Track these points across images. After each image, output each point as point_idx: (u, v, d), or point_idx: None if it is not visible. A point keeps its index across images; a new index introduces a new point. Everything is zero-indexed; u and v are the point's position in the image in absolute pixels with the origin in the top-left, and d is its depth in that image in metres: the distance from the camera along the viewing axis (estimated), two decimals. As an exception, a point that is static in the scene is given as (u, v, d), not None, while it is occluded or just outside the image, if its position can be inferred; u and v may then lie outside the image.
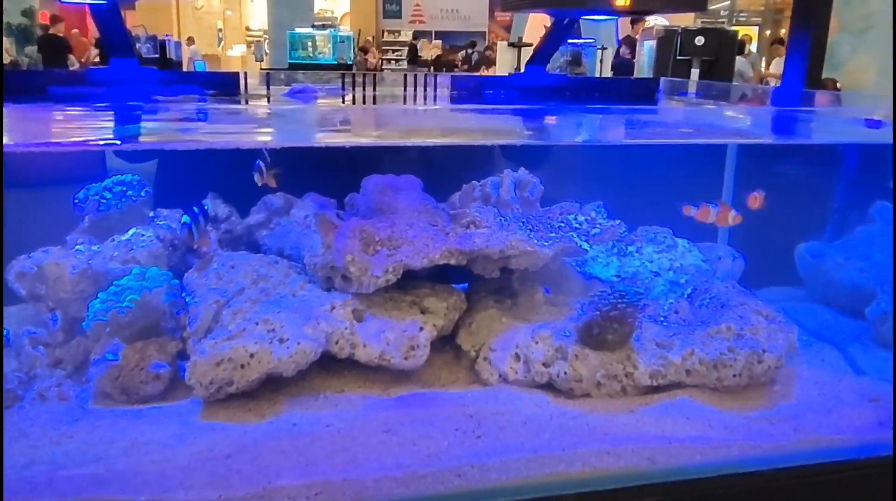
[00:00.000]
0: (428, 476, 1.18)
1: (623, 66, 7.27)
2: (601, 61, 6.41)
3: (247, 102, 1.96)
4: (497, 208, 1.57)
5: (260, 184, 1.54)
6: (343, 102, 1.94)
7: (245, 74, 2.01)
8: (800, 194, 1.75)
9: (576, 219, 1.59)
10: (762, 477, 1.31)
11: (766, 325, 1.54)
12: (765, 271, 1.83)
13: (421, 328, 1.43)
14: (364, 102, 1.75)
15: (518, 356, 1.45)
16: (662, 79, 2.09)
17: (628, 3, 1.78)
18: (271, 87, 2.11)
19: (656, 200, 1.91)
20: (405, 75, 1.82)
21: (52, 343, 1.49)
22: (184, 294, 1.51)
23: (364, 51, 13.38)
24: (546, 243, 1.51)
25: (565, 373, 1.41)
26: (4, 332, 1.46)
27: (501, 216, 1.56)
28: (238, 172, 1.59)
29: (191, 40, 13.38)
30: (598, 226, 1.58)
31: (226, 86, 2.01)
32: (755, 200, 1.61)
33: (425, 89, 1.80)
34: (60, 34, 10.43)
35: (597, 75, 6.05)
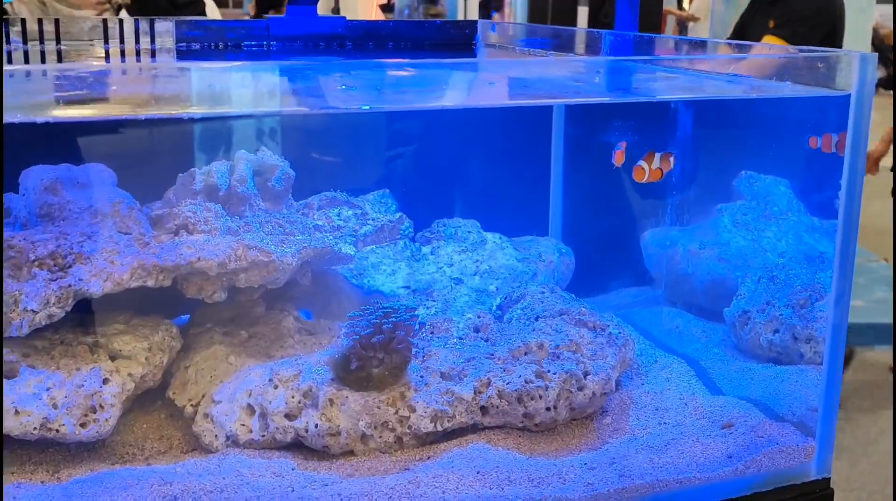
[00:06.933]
0: None
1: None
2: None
3: None
4: (226, 205, 1.45)
5: None
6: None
7: None
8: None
9: (339, 215, 1.49)
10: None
11: (591, 339, 1.46)
12: (607, 267, 1.80)
13: (106, 381, 1.27)
14: (43, 61, 1.58)
15: (251, 407, 1.31)
16: (481, 22, 2.03)
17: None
18: None
19: (468, 180, 1.84)
20: (105, 22, 1.65)
21: None
22: None
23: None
24: (290, 250, 1.40)
25: (316, 426, 1.28)
26: None
27: (231, 215, 1.44)
28: None
29: None
30: (370, 222, 1.48)
31: None
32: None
33: (137, 41, 1.65)
34: None
35: (461, 18, 5.90)
